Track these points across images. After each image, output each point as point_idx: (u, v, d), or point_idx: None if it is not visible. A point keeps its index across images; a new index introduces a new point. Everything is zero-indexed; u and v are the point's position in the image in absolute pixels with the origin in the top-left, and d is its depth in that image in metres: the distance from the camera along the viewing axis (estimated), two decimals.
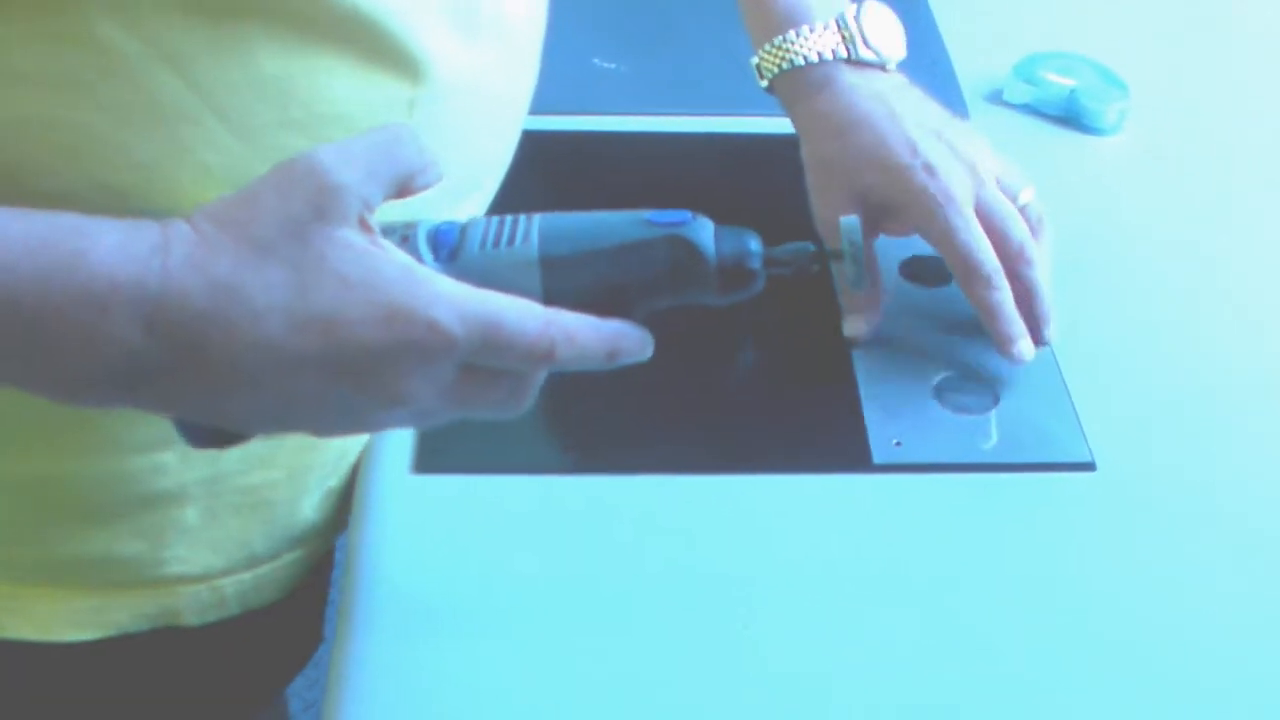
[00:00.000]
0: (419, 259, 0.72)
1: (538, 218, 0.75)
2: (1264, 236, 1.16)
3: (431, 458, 0.93)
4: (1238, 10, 1.45)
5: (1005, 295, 0.97)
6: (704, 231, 0.76)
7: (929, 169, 0.98)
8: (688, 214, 0.76)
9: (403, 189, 0.71)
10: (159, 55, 0.74)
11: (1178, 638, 0.86)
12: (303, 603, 1.02)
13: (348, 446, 0.97)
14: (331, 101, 0.79)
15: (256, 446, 0.84)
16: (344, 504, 0.99)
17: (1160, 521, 0.93)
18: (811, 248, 0.79)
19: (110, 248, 0.66)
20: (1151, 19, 1.42)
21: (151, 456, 0.87)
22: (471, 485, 0.92)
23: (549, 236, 0.74)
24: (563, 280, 0.74)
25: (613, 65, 1.32)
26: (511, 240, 0.74)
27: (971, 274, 0.97)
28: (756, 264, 0.77)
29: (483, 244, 0.74)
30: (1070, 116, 1.25)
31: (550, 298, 0.73)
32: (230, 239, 0.67)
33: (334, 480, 0.98)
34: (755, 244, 0.77)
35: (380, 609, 0.86)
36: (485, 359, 0.70)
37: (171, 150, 0.76)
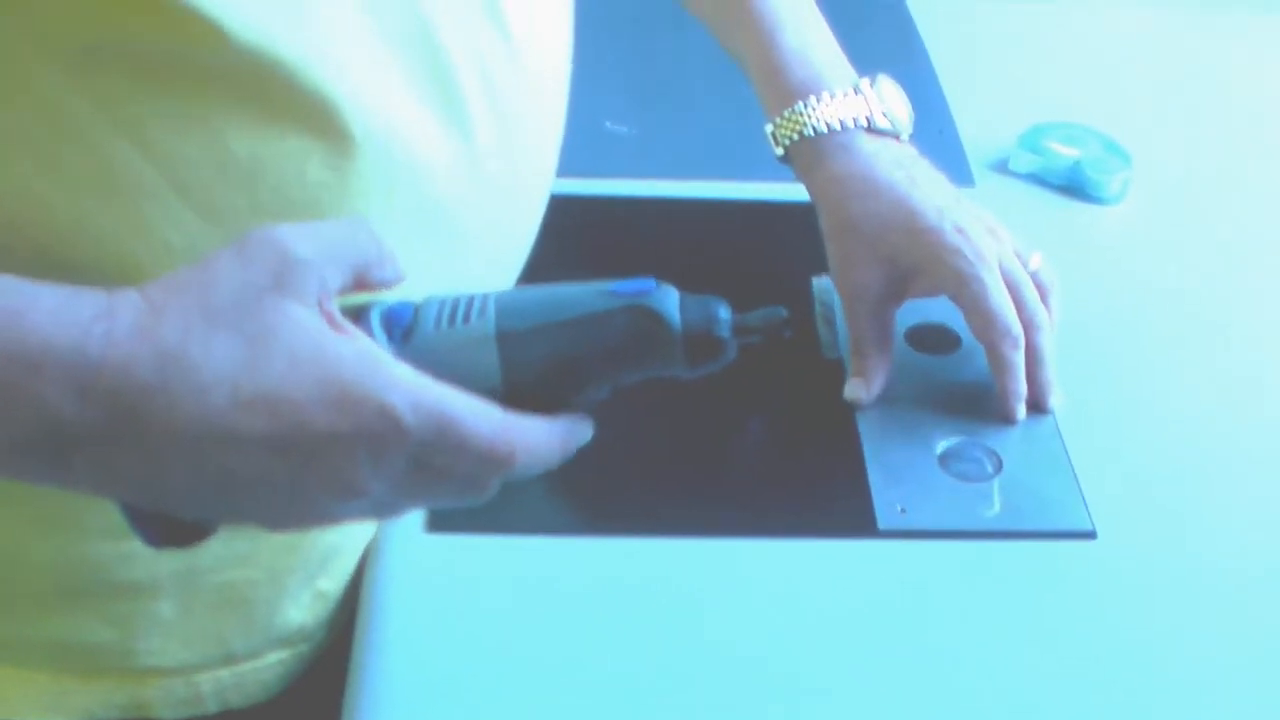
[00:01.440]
0: (372, 338, 0.69)
1: (494, 293, 0.72)
2: (1265, 306, 1.18)
3: (445, 516, 0.94)
4: (1238, 81, 1.47)
5: (1022, 355, 1.00)
6: (668, 300, 0.72)
7: (959, 230, 0.99)
8: (652, 282, 0.73)
9: (360, 279, 0.69)
10: (114, 122, 0.72)
11: (1177, 706, 0.87)
12: (300, 706, 0.98)
13: (336, 547, 0.95)
14: (304, 186, 0.77)
15: (234, 544, 0.81)
16: (342, 608, 0.97)
17: (1160, 590, 0.94)
18: (783, 313, 0.75)
19: (48, 310, 0.63)
20: (1154, 90, 1.44)
21: (120, 544, 0.83)
22: (484, 545, 0.93)
23: (506, 311, 0.71)
24: (522, 355, 0.71)
25: (624, 129, 1.34)
26: (467, 317, 0.71)
27: (1003, 334, 0.99)
28: (725, 332, 0.73)
29: (438, 322, 0.71)
30: (1075, 186, 1.27)
31: (509, 374, 0.71)
32: (181, 305, 0.65)
33: (325, 582, 0.95)
34: (724, 311, 0.73)
35: (393, 669, 0.86)
36: (438, 455, 0.68)
37: (130, 225, 0.74)
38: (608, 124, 1.32)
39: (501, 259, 0.92)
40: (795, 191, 1.08)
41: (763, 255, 1.16)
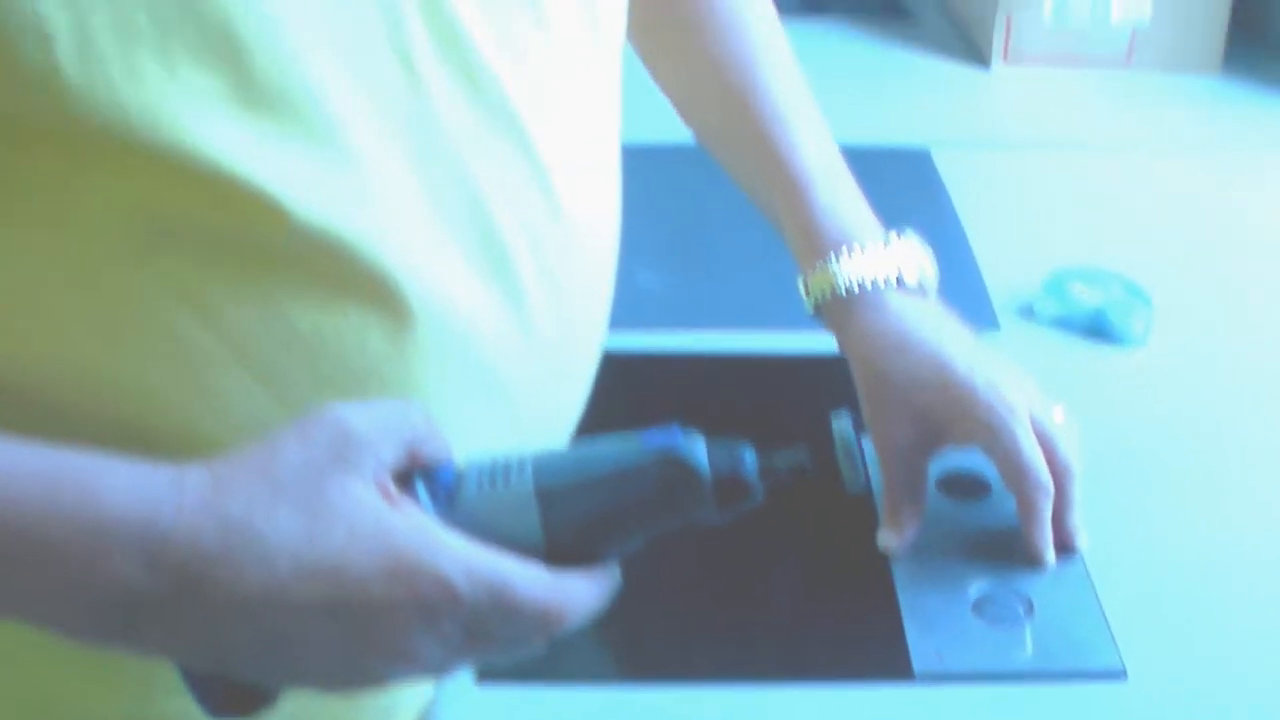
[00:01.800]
0: (416, 501, 0.72)
1: (531, 454, 0.75)
2: None
3: (495, 667, 0.95)
4: (1252, 220, 1.51)
5: (1050, 505, 1.02)
6: (697, 449, 0.75)
7: (990, 384, 1.02)
8: (678, 431, 0.75)
9: (412, 455, 0.73)
10: (182, 299, 0.75)
11: None
12: None
13: (394, 700, 0.95)
14: (364, 358, 0.80)
15: (289, 706, 0.84)
16: None
17: None
18: (806, 453, 0.77)
19: (121, 486, 0.67)
20: (1172, 232, 1.48)
21: (186, 700, 0.81)
22: (533, 695, 0.96)
23: (544, 471, 0.74)
24: (561, 513, 0.74)
25: (656, 279, 1.37)
26: (507, 478, 0.74)
27: (1035, 487, 1.01)
28: (752, 475, 0.75)
29: (479, 484, 0.74)
30: (1098, 329, 1.30)
31: (550, 531, 0.74)
32: (246, 480, 0.68)
33: None
34: (749, 456, 0.76)
35: None
36: (491, 620, 0.71)
37: (196, 397, 0.78)
38: (639, 275, 1.35)
39: (553, 422, 0.94)
40: (823, 342, 1.11)
41: (790, 406, 1.19)
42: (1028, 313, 1.33)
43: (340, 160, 0.77)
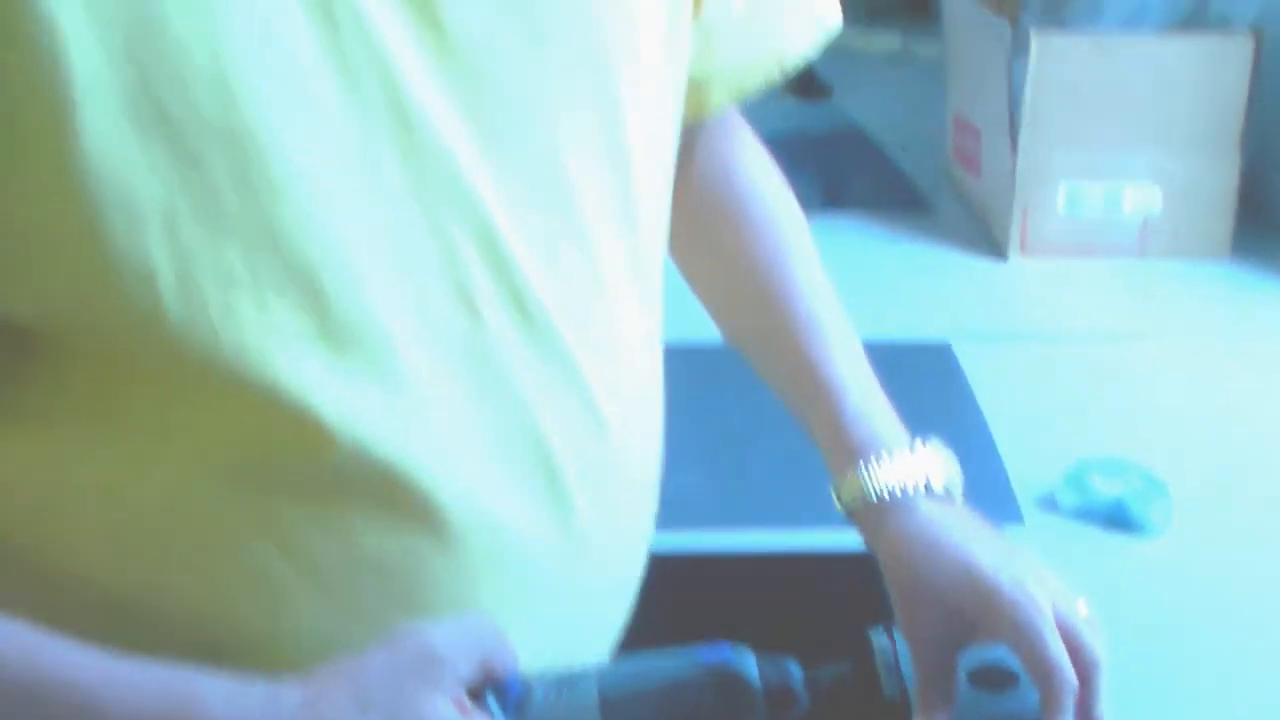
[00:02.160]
0: (488, 714, 0.80)
1: (594, 667, 0.83)
2: None
3: None
4: (1267, 404, 1.55)
5: (1073, 700, 1.04)
6: (747, 663, 0.83)
7: (1016, 582, 1.04)
8: (728, 647, 0.83)
9: (485, 668, 0.80)
10: (262, 529, 0.83)
11: None
12: None
13: None
14: (422, 575, 0.87)
15: None
16: None
17: None
18: (848, 668, 0.86)
19: (221, 696, 0.74)
20: (1188, 420, 1.52)
21: None
22: None
23: (606, 683, 0.82)
24: None
25: (694, 478, 1.41)
26: (573, 689, 0.82)
27: (1060, 685, 1.02)
28: (799, 689, 0.84)
29: (546, 694, 0.82)
30: (1118, 520, 1.34)
31: None
32: (338, 692, 0.76)
33: None
34: (796, 670, 0.84)
35: None
36: None
37: (270, 616, 0.85)
38: (674, 475, 1.39)
39: (603, 626, 1.00)
40: (856, 538, 1.13)
41: (827, 603, 1.23)
42: (1049, 503, 1.37)
43: (397, 390, 0.83)
